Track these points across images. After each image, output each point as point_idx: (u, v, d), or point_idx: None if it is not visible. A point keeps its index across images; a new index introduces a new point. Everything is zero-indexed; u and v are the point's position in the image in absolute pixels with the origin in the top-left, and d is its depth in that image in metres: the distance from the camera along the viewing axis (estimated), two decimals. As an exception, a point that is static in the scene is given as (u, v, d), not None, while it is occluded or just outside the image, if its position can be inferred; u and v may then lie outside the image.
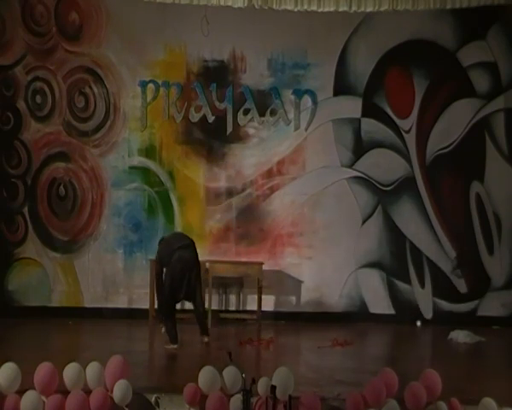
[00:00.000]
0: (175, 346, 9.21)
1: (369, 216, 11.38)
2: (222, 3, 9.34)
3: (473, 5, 9.42)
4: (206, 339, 9.45)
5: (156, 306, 10.10)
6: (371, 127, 11.37)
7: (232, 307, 11.26)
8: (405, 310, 11.30)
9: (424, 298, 11.34)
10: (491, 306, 11.30)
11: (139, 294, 11.09)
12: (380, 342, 10.66)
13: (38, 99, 11.21)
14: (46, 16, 11.18)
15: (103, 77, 11.23)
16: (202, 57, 11.31)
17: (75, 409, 6.44)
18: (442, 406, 6.60)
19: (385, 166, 11.36)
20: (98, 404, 6.51)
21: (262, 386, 6.50)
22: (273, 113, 11.37)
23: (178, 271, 9.22)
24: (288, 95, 11.37)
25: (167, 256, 9.30)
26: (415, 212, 11.36)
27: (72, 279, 11.22)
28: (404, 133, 11.37)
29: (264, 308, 10.84)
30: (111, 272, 11.24)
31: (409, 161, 11.38)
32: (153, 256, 11.00)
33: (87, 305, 11.20)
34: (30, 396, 6.50)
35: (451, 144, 11.37)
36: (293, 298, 11.34)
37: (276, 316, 11.26)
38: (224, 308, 11.04)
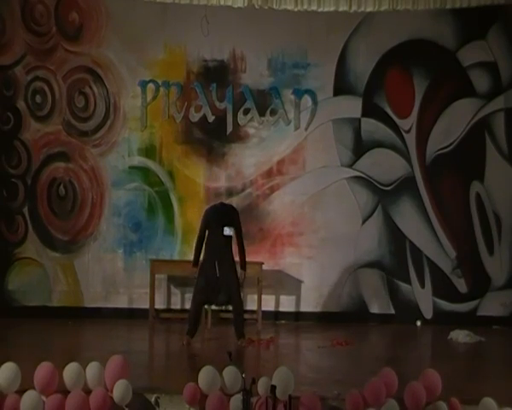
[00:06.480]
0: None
1: (369, 216, 11.38)
2: (222, 3, 9.34)
3: (473, 5, 9.41)
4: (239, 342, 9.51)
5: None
6: (371, 127, 11.37)
7: (232, 307, 11.26)
8: (405, 310, 11.30)
9: (424, 298, 11.34)
10: (491, 306, 11.31)
11: (139, 294, 11.09)
12: (380, 342, 10.66)
13: (38, 99, 11.21)
14: (46, 16, 11.18)
15: (103, 77, 11.24)
16: (202, 57, 11.31)
17: (75, 409, 6.45)
18: (442, 406, 6.60)
19: (385, 165, 11.37)
20: (98, 404, 6.51)
21: (262, 386, 6.50)
22: (273, 113, 11.37)
23: None
24: (288, 95, 11.38)
25: None
26: (415, 212, 11.37)
27: (72, 279, 11.22)
28: (404, 133, 11.38)
29: (264, 308, 10.83)
30: (111, 272, 11.24)
31: (409, 160, 11.39)
32: (153, 256, 11.05)
33: (87, 305, 11.20)
34: (30, 396, 6.50)
35: (451, 144, 11.37)
36: (293, 298, 11.35)
37: (276, 316, 11.27)
38: (224, 308, 11.02)
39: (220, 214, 9.50)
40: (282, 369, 6.64)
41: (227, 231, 9.43)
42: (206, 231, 9.53)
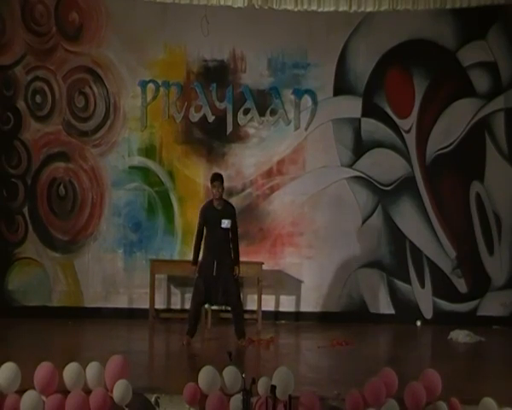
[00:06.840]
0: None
1: (369, 216, 11.38)
2: (222, 3, 9.33)
3: (473, 5, 9.41)
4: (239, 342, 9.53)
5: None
6: (371, 127, 11.37)
7: (232, 307, 11.25)
8: (405, 310, 11.30)
9: (424, 298, 11.34)
10: (491, 306, 11.31)
11: (139, 294, 11.09)
12: (380, 342, 10.66)
13: (38, 99, 11.22)
14: (46, 16, 11.18)
15: (103, 77, 11.24)
16: (202, 57, 11.31)
17: (75, 409, 6.45)
18: (442, 406, 6.60)
19: (385, 165, 11.37)
20: (98, 404, 6.52)
21: (262, 386, 6.50)
22: (273, 113, 11.37)
23: None
24: (288, 95, 11.38)
25: None
26: (415, 212, 11.37)
27: (72, 279, 11.23)
28: (404, 133, 11.38)
29: (264, 308, 10.82)
30: (111, 272, 11.24)
31: (409, 160, 11.39)
32: (153, 256, 11.05)
33: (87, 305, 11.20)
34: (30, 396, 6.50)
35: (451, 144, 11.38)
36: (293, 298, 11.34)
37: (276, 316, 11.27)
38: (224, 308, 11.02)
39: (217, 209, 9.56)
40: (282, 369, 6.64)
41: (225, 223, 9.49)
42: (205, 228, 9.57)
